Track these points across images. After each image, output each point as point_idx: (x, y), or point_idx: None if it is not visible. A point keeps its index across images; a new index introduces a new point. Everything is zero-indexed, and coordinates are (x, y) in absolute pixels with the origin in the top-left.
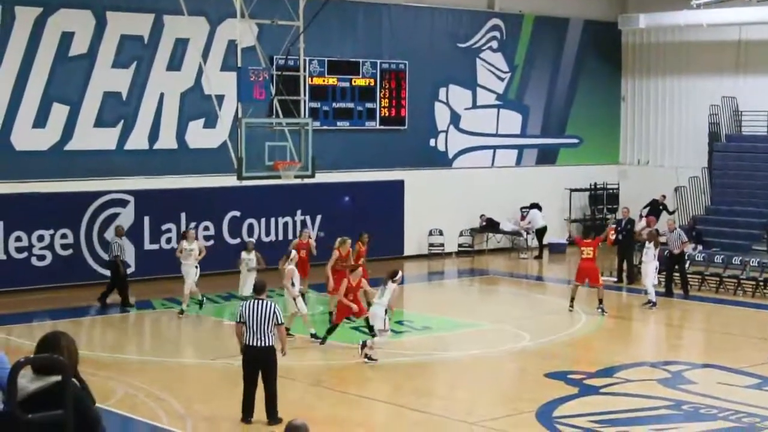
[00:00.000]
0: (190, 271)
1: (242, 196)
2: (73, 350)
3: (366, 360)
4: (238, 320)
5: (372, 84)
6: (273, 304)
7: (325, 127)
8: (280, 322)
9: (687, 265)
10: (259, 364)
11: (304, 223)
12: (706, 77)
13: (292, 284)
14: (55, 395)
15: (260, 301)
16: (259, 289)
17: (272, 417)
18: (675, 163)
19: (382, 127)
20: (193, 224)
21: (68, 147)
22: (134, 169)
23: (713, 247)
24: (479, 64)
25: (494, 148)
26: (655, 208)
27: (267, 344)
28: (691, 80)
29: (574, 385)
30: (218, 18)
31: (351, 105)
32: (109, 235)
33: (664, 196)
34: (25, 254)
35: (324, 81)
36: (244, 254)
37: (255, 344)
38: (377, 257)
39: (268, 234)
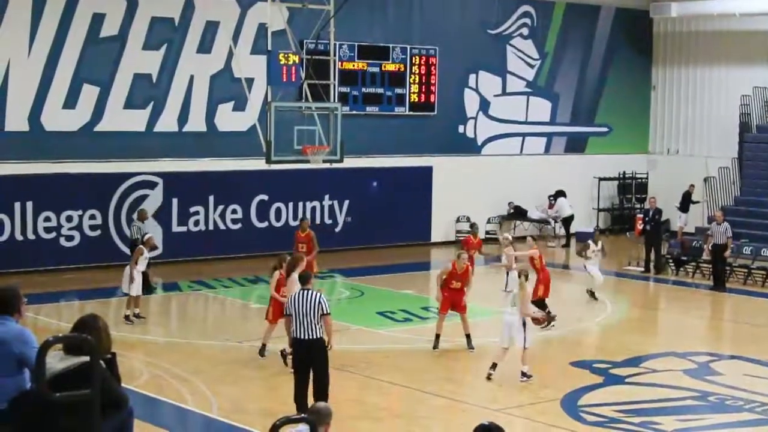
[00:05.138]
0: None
1: (270, 179)
2: (107, 332)
3: (523, 378)
4: (286, 313)
5: (402, 69)
6: (319, 295)
7: (354, 112)
8: (326, 312)
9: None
10: (308, 357)
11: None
12: (737, 67)
13: (135, 264)
14: (83, 375)
15: (306, 292)
16: (305, 279)
17: None
18: (704, 153)
19: (411, 112)
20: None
21: (98, 128)
22: (163, 151)
23: (742, 239)
24: (509, 51)
25: (523, 135)
26: (686, 200)
27: (314, 336)
28: (723, 70)
29: (599, 374)
30: (249, 1)
31: (380, 90)
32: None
33: (692, 186)
34: (53, 234)
35: (354, 66)
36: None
37: (302, 337)
38: (404, 243)
39: (295, 218)
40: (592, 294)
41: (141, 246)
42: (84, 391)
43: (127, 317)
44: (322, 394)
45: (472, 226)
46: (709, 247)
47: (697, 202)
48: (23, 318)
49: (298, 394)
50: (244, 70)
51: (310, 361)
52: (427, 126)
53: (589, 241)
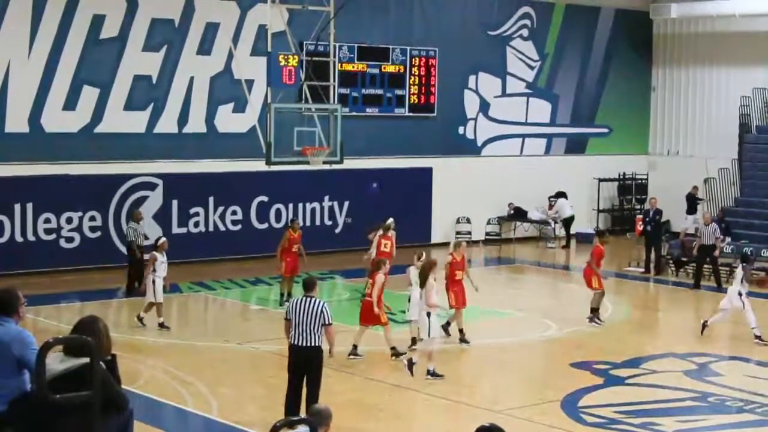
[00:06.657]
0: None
1: (270, 181)
2: (107, 334)
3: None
4: (286, 317)
5: (401, 71)
6: (321, 303)
7: (354, 114)
8: (328, 322)
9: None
10: (303, 366)
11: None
12: (737, 68)
13: (153, 270)
14: (83, 377)
15: (309, 299)
16: (308, 286)
17: None
18: (705, 154)
19: (411, 114)
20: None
21: (98, 129)
22: (163, 152)
23: (742, 239)
24: (509, 52)
25: (523, 136)
26: (691, 202)
27: (312, 344)
28: (723, 71)
29: (599, 375)
30: (249, 3)
31: (380, 91)
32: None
33: (696, 187)
34: (53, 236)
35: (354, 67)
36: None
37: (299, 344)
38: (404, 244)
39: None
40: (703, 324)
41: (154, 252)
42: (84, 392)
43: (140, 319)
44: (312, 403)
45: (602, 233)
46: (694, 245)
47: (702, 199)
48: (23, 319)
49: (289, 400)
50: (244, 71)
51: (305, 369)
52: (427, 127)
53: (743, 265)
